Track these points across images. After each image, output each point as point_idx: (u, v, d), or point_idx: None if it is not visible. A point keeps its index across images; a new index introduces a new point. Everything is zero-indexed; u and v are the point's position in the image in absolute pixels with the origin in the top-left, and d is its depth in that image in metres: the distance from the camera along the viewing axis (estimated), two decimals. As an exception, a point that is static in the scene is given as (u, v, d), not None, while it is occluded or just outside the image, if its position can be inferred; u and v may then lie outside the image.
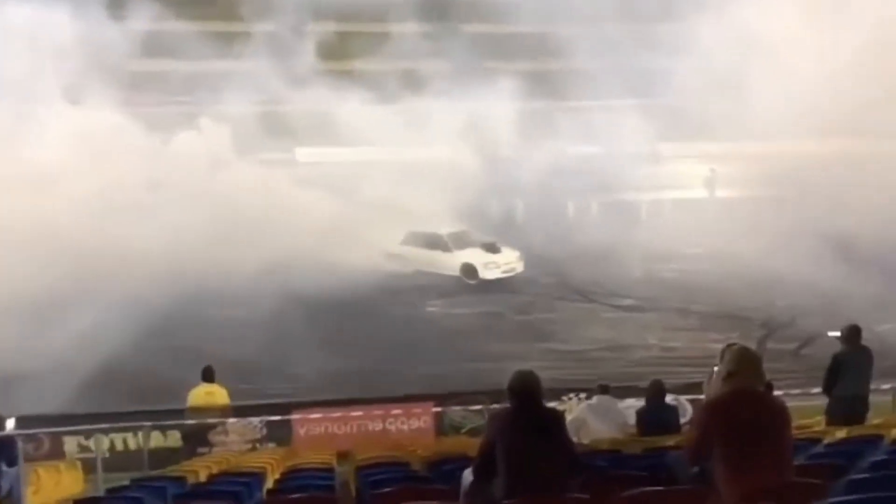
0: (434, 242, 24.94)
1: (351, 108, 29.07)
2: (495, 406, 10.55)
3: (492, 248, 24.93)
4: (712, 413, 5.10)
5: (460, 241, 24.94)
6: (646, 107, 30.88)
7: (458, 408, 14.47)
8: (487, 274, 24.38)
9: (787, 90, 26.70)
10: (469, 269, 24.46)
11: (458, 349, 19.57)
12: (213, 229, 22.55)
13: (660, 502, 4.55)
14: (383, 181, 26.84)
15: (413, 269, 24.65)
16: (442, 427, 14.59)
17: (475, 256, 24.62)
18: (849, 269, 22.79)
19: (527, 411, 5.66)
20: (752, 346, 18.12)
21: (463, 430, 14.24)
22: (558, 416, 5.99)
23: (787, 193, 28.12)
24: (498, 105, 29.63)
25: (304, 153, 32.92)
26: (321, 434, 14.12)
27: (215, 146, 27.62)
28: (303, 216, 24.49)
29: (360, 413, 14.24)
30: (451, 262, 24.54)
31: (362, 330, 20.89)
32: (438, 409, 14.55)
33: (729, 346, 5.34)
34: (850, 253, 23.44)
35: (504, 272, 24.47)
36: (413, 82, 30.20)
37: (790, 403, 11.32)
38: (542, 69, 33.59)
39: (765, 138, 29.55)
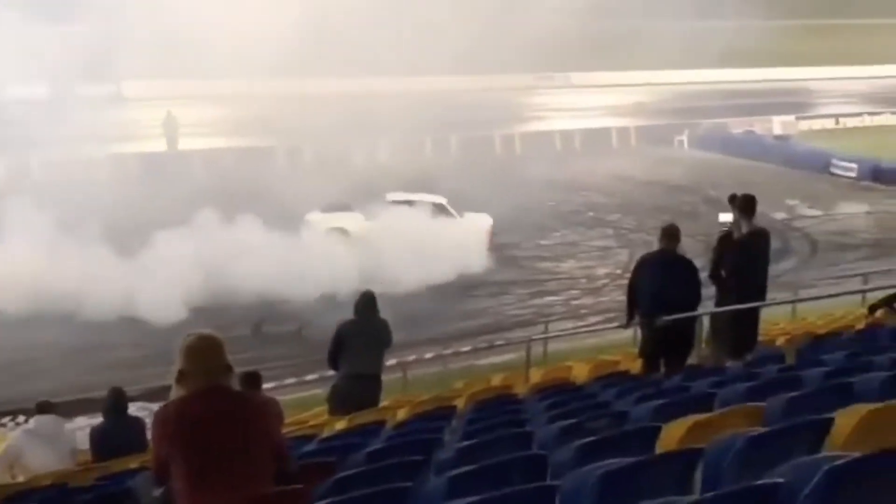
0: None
1: None
2: None
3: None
4: (164, 423, 5.08)
5: None
6: (72, 34, 30.01)
7: None
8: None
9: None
10: None
11: None
12: None
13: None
14: None
15: None
16: None
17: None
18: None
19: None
20: (247, 330, 18.99)
21: None
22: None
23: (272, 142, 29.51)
24: None
25: None
26: None
27: None
28: None
29: None
30: None
31: None
32: None
33: (184, 338, 5.32)
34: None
35: None
36: None
37: (286, 396, 11.89)
38: None
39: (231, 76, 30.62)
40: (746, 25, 66.09)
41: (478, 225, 26.66)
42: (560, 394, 9.04)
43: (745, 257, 10.18)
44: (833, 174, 39.14)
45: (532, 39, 34.35)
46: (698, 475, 4.56)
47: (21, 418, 12.84)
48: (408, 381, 15.73)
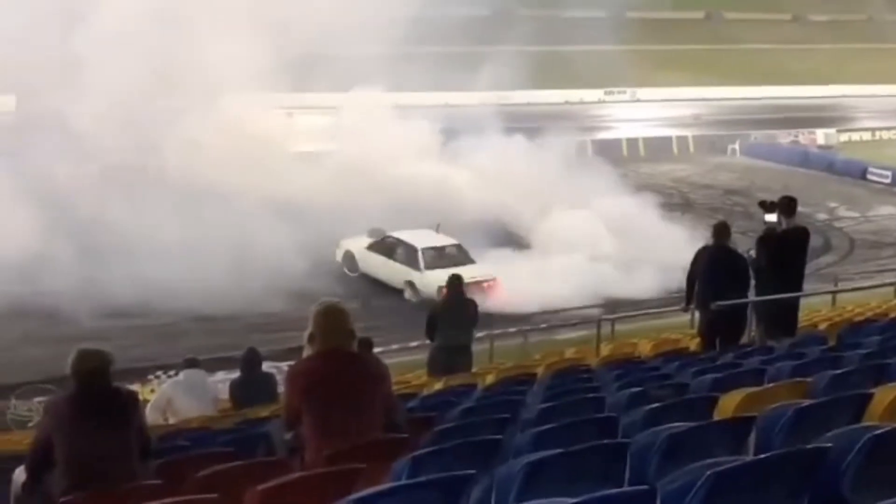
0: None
1: None
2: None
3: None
4: (295, 378, 5.21)
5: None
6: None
7: (19, 401, 13.59)
8: None
9: None
10: None
11: (22, 333, 18.11)
12: None
13: (237, 478, 4.51)
14: None
15: None
16: (3, 423, 13.82)
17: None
18: None
19: (90, 394, 5.36)
20: (358, 304, 19.14)
21: (30, 425, 13.39)
22: (129, 397, 5.72)
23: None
24: None
25: None
26: None
27: None
28: None
29: None
30: None
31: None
32: (-4, 404, 13.69)
33: (316, 305, 5.38)
34: None
35: None
36: None
37: (391, 359, 11.97)
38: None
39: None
40: (794, 49, 64.76)
41: None
42: (627, 366, 8.98)
43: (784, 251, 9.99)
44: (869, 181, 38.06)
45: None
46: (752, 440, 4.51)
47: (172, 372, 13.20)
48: (493, 351, 15.70)
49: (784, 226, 10.02)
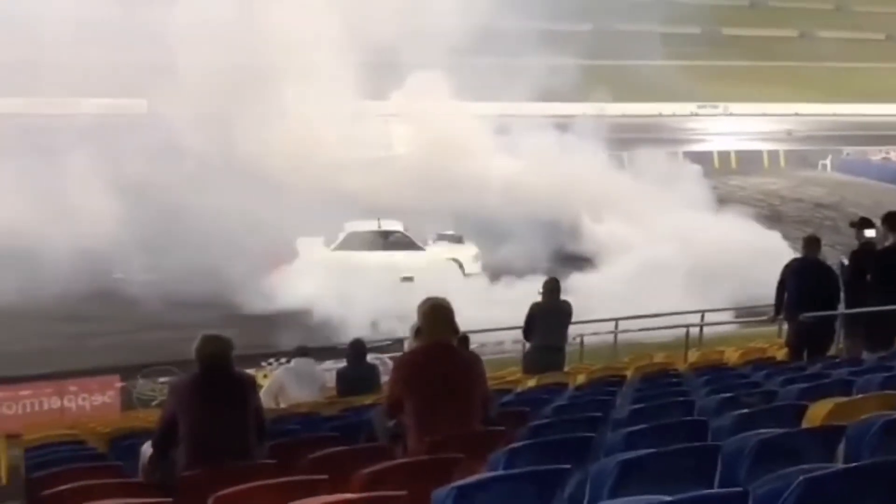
0: (392, 242, 22.69)
1: None
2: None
3: (459, 240, 23.52)
4: (401, 368, 5.30)
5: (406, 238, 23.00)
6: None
7: (144, 381, 14.04)
8: (474, 269, 22.63)
9: None
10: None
11: (147, 319, 18.69)
12: None
13: (344, 461, 4.58)
14: None
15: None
16: (129, 401, 14.16)
17: (453, 251, 23.04)
18: None
19: (212, 377, 5.50)
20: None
21: (153, 403, 13.83)
22: (248, 381, 5.87)
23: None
24: None
25: None
26: (-15, 416, 13.14)
27: None
28: None
29: (29, 391, 13.45)
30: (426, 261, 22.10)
31: (30, 301, 18.99)
32: (124, 383, 14.14)
33: (424, 301, 5.45)
34: None
35: (481, 267, 22.82)
36: None
37: (485, 357, 11.96)
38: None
39: None
40: (886, 67, 62.45)
41: None
42: (715, 372, 8.78)
43: (891, 265, 9.66)
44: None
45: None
46: (841, 449, 4.37)
47: (283, 359, 13.46)
48: (583, 351, 15.55)
49: (891, 241, 9.71)
